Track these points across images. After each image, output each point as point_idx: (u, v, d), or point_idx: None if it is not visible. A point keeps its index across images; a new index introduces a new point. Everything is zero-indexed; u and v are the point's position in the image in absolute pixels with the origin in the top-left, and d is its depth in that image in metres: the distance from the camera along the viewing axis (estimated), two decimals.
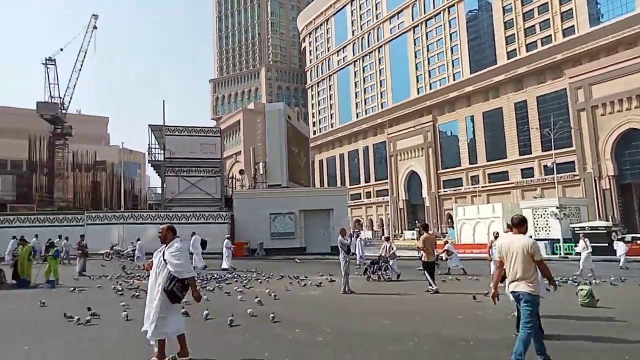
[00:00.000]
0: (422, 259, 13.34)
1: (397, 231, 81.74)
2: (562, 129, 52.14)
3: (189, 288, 5.79)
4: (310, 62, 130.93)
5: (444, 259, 20.08)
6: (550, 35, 69.39)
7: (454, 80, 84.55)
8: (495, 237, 14.23)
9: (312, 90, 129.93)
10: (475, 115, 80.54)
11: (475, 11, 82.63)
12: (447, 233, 67.52)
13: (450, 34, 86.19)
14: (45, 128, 63.46)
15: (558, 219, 30.20)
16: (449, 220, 75.26)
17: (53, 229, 25.00)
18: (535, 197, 56.33)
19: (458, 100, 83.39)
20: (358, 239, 25.25)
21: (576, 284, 13.63)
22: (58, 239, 23.54)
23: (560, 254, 29.56)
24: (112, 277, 17.51)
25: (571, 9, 66.81)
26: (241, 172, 54.89)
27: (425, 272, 13.17)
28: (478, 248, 28.85)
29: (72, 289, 14.15)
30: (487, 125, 78.38)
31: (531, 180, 70.10)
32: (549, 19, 69.73)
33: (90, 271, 19.36)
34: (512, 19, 74.79)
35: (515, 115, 73.52)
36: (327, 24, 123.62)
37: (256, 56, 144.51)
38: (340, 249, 13.64)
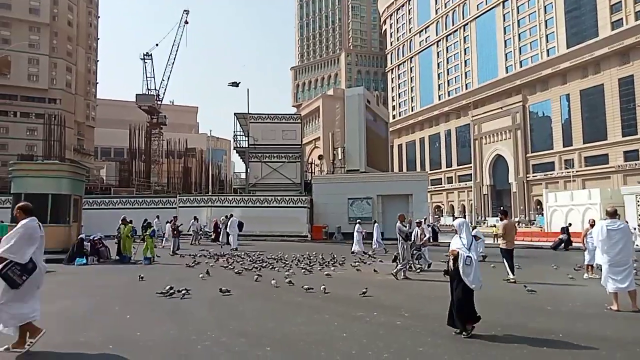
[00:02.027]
0: (502, 246, 12.70)
1: (480, 217, 78.41)
2: None
3: (32, 272, 5.32)
4: (391, 45, 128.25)
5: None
6: None
7: (548, 56, 78.26)
8: (592, 226, 13.18)
9: (392, 73, 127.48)
10: (571, 94, 74.11)
11: None
12: (535, 220, 63.49)
13: (545, 6, 79.58)
14: (143, 118, 69.11)
15: None
16: (538, 206, 70.63)
17: (149, 211, 27.30)
18: None
19: (552, 78, 77.17)
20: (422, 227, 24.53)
21: None
22: (156, 219, 25.85)
23: None
24: (202, 255, 18.75)
25: None
26: (320, 157, 55.69)
27: (505, 259, 12.54)
28: (572, 237, 26.79)
29: (192, 263, 15.84)
30: (585, 104, 71.79)
31: (635, 164, 63.35)
32: None
33: (183, 250, 20.91)
34: None
35: (618, 92, 66.55)
36: (409, 4, 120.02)
37: (336, 41, 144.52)
38: (398, 235, 13.40)
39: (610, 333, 6.86)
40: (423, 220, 26.70)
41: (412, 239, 15.05)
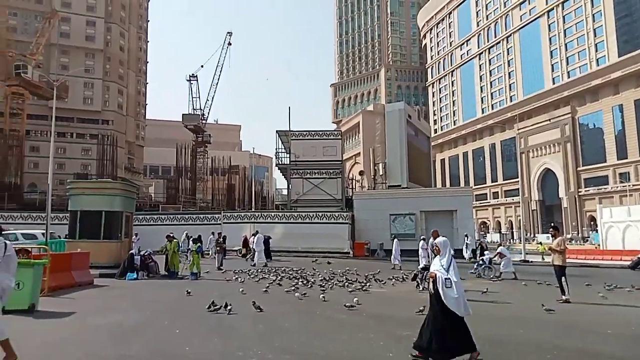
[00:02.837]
0: (556, 263, 12.05)
1: (528, 234, 75.35)
2: None
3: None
4: (432, 59, 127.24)
5: (497, 262, 18.60)
6: None
7: (598, 65, 75.18)
8: None
9: (433, 87, 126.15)
10: (624, 104, 70.64)
11: None
12: (589, 237, 60.34)
13: (593, 15, 76.78)
14: (188, 137, 71.53)
15: None
16: (592, 223, 67.15)
17: (195, 227, 28.02)
18: None
19: (602, 88, 73.95)
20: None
21: None
22: (211, 236, 26.25)
23: None
24: (245, 271, 19.00)
25: None
26: (361, 173, 55.53)
27: (560, 277, 11.89)
28: (629, 255, 25.27)
29: (234, 277, 16.22)
30: None
31: None
32: None
33: (227, 266, 21.24)
34: None
35: None
36: (449, 17, 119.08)
37: (375, 57, 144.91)
38: (431, 252, 12.97)
39: None
40: (465, 236, 26.06)
41: (421, 257, 14.26)
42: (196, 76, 73.52)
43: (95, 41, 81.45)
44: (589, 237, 61.67)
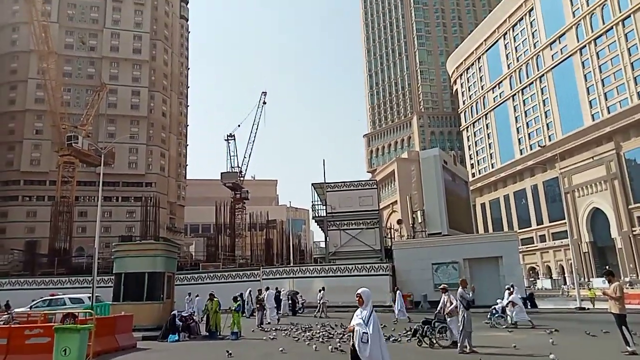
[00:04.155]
0: (613, 311, 11.20)
1: (582, 278, 70.92)
2: None
3: None
4: (464, 104, 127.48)
5: (510, 310, 18.00)
6: None
7: (639, 99, 72.97)
8: None
9: (467, 131, 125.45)
10: None
11: None
12: None
13: (628, 49, 75.52)
14: (227, 194, 73.25)
15: None
16: None
17: (235, 284, 28.07)
18: None
19: None
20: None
21: None
22: (258, 293, 26.30)
23: None
24: (285, 329, 18.66)
25: None
26: (399, 221, 54.78)
27: (620, 326, 11.02)
28: None
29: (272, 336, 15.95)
30: None
31: None
32: None
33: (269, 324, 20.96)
34: None
35: None
36: (478, 62, 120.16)
37: (407, 106, 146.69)
38: (459, 302, 12.24)
39: None
40: (510, 286, 24.68)
41: (438, 308, 13.49)
42: (233, 135, 76.36)
43: (139, 109, 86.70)
44: None
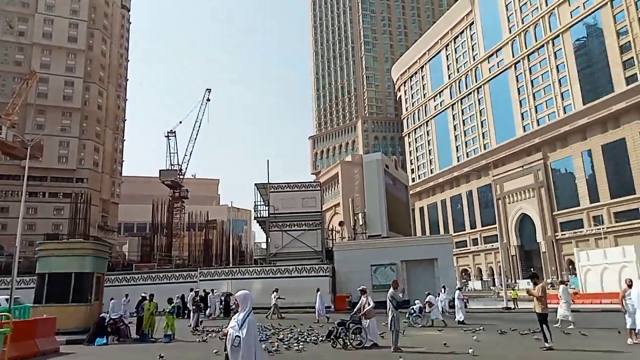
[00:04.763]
0: (537, 311, 11.93)
1: (509, 280, 75.27)
2: None
3: None
4: (406, 110, 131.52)
5: (427, 310, 19.48)
6: None
7: (565, 113, 78.62)
8: (629, 286, 12.38)
9: (409, 137, 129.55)
10: (592, 149, 73.35)
11: (584, 39, 77.33)
12: (568, 282, 60.48)
13: (557, 66, 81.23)
14: (165, 193, 70.80)
15: None
16: (570, 266, 67.63)
17: (171, 285, 27.08)
18: None
19: (571, 134, 76.96)
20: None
21: None
22: (210, 293, 26.16)
23: None
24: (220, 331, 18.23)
25: None
26: (341, 223, 55.38)
27: (542, 324, 11.75)
28: (608, 298, 25.31)
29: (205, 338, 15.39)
30: (608, 159, 70.71)
31: None
32: None
33: (205, 325, 20.35)
34: (629, 41, 68.49)
35: None
36: (422, 71, 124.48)
37: (352, 110, 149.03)
38: (389, 302, 12.47)
39: None
40: (442, 288, 25.76)
41: (355, 309, 13.64)
42: (174, 132, 73.95)
43: (72, 100, 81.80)
44: (568, 281, 61.77)
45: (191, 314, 21.24)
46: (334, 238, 50.87)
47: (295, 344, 13.58)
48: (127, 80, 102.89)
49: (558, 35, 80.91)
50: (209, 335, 16.92)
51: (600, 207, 70.88)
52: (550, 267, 75.79)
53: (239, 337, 5.49)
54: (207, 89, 79.32)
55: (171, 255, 50.15)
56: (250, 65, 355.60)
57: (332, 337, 13.13)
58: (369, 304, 13.13)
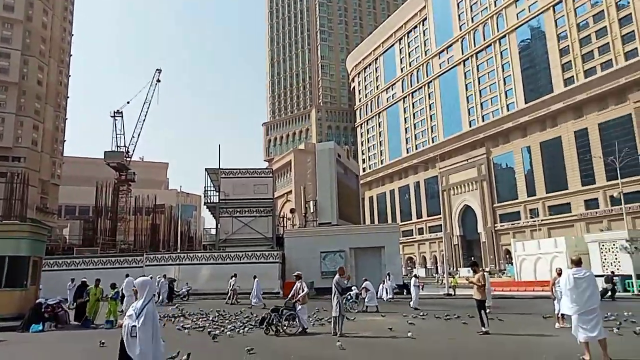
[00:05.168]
0: (476, 297, 12.65)
1: (452, 268, 78.83)
2: (628, 156, 48.84)
3: None
4: (360, 101, 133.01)
5: (362, 296, 20.32)
6: (611, 59, 66.55)
7: (508, 111, 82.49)
8: (559, 274, 13.34)
9: (361, 128, 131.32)
10: (532, 146, 77.61)
11: (528, 41, 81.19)
12: (505, 270, 64.14)
13: (503, 65, 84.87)
14: (111, 175, 67.89)
15: (629, 252, 27.89)
16: (507, 256, 71.59)
17: (114, 271, 26.22)
18: (602, 230, 52.57)
19: (513, 131, 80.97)
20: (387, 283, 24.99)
21: None
22: (162, 279, 25.58)
23: (633, 291, 27.10)
24: (169, 317, 17.94)
25: (633, 31, 64.06)
26: (292, 211, 55.54)
27: (480, 310, 12.47)
28: (540, 285, 27.13)
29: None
30: (545, 156, 75.12)
31: (596, 212, 65.77)
32: (608, 43, 67.12)
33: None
34: (568, 45, 72.68)
35: (575, 144, 70.10)
36: (375, 63, 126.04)
37: (307, 98, 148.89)
38: (334, 288, 12.73)
39: None
40: (387, 275, 26.67)
41: (289, 296, 13.50)
42: (121, 112, 70.74)
43: (9, 74, 76.31)
44: (505, 269, 65.48)
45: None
46: (285, 225, 50.97)
47: (229, 331, 13.26)
48: (71, 56, 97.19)
49: (505, 36, 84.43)
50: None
51: (536, 201, 75.32)
52: (489, 257, 79.92)
53: (135, 326, 5.12)
54: (157, 70, 76.37)
55: (116, 240, 48.35)
56: (204, 48, 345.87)
57: (265, 323, 12.98)
58: (303, 290, 13.06)
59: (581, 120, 69.80)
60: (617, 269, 27.45)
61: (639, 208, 59.17)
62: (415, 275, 23.61)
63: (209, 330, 13.07)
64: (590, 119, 68.42)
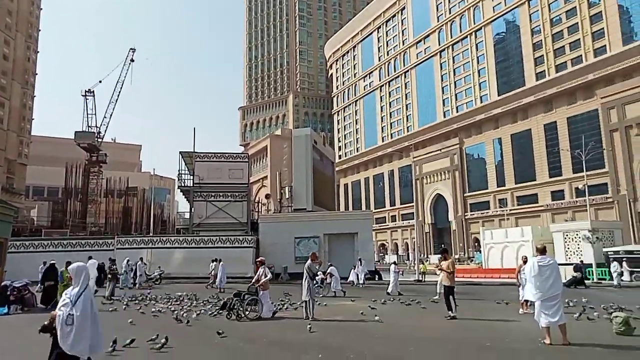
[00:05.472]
0: (445, 284, 13.05)
1: (422, 255, 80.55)
2: (594, 150, 50.66)
3: None
4: (337, 88, 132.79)
5: (327, 281, 20.71)
6: (581, 55, 68.39)
7: (481, 102, 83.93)
8: (524, 262, 13.84)
9: (338, 115, 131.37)
10: (503, 138, 79.41)
11: (503, 34, 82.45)
12: (474, 257, 65.91)
13: (478, 57, 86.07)
14: (81, 156, 66.11)
15: (590, 242, 29.13)
16: (476, 244, 73.54)
17: (84, 253, 25.76)
18: (566, 220, 54.53)
19: (485, 122, 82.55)
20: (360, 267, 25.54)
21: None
22: (139, 262, 25.66)
23: (593, 279, 28.39)
24: (139, 300, 17.85)
25: (602, 28, 65.84)
26: (267, 196, 55.49)
27: (448, 296, 12.88)
28: (506, 273, 28.06)
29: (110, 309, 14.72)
30: (516, 148, 77.06)
31: (562, 203, 68.14)
32: (579, 39, 68.87)
33: (119, 295, 19.78)
34: (541, 40, 74.23)
35: (544, 137, 72.13)
36: (354, 50, 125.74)
37: (284, 84, 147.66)
38: (305, 273, 12.87)
39: None
40: (358, 261, 27.16)
41: (253, 280, 13.40)
42: (93, 92, 68.65)
43: None
44: (473, 257, 67.28)
45: (107, 282, 20.50)
46: (260, 210, 50.94)
47: (187, 316, 12.99)
48: (40, 31, 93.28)
49: (481, 28, 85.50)
50: (125, 304, 16.46)
51: (505, 191, 77.40)
52: (458, 244, 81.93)
53: (72, 315, 4.80)
54: (131, 49, 74.28)
55: (86, 222, 47.32)
56: (180, 29, 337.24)
57: (226, 308, 12.84)
58: (266, 276, 13.02)
59: (551, 113, 71.74)
60: (579, 258, 28.66)
61: (602, 200, 61.57)
62: (394, 262, 24.16)
63: (174, 316, 12.90)
64: (559, 112, 70.40)
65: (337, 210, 68.69)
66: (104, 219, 49.39)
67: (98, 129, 67.37)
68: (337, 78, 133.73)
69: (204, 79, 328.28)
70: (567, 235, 31.87)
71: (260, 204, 53.55)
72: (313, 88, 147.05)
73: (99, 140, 67.25)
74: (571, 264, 26.82)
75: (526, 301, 13.54)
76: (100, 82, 74.64)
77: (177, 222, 44.59)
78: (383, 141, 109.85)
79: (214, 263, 24.99)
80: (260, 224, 35.56)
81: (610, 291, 22.39)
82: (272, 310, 13.31)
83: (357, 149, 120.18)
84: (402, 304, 16.40)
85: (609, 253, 28.93)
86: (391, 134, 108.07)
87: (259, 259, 14.21)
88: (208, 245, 31.77)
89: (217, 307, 14.24)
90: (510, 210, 73.32)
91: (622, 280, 25.29)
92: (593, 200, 55.93)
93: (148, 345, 8.65)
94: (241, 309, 12.62)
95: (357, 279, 26.07)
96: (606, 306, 14.09)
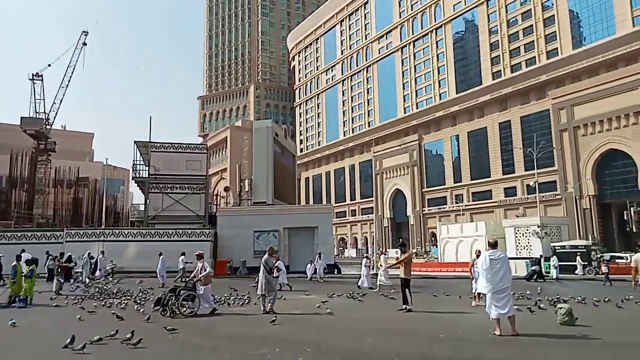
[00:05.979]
0: (402, 276, 13.23)
1: (381, 249, 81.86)
2: (544, 148, 53.02)
3: None
4: (299, 81, 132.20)
5: (275, 274, 21.37)
6: (535, 57, 71.11)
7: (440, 100, 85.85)
8: (477, 256, 14.22)
9: (300, 108, 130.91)
10: (460, 135, 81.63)
11: (462, 33, 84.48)
12: (430, 251, 67.62)
13: (438, 55, 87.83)
14: (28, 144, 62.75)
15: (539, 237, 30.47)
16: (433, 238, 75.44)
17: (31, 247, 24.45)
18: (518, 216, 56.86)
19: (444, 119, 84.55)
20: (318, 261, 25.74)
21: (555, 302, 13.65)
22: (100, 255, 25.16)
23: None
24: (90, 296, 17.13)
25: (555, 31, 68.65)
26: (226, 189, 54.66)
27: (404, 289, 13.07)
28: (461, 266, 28.91)
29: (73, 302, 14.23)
30: (472, 145, 79.44)
31: (514, 199, 70.96)
32: (533, 41, 71.54)
33: (67, 289, 18.92)
34: (498, 40, 76.61)
35: (499, 135, 74.72)
36: (316, 43, 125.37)
37: (245, 74, 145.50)
38: (262, 267, 12.66)
39: (494, 357, 7.40)
40: (318, 255, 27.28)
41: (192, 275, 13.00)
42: (41, 76, 65.15)
43: None
44: (430, 251, 69.03)
45: (55, 278, 19.53)
46: (219, 203, 50.07)
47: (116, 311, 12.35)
48: None
49: (441, 26, 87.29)
50: (70, 300, 15.74)
51: (461, 187, 79.77)
52: (416, 239, 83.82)
53: None
54: (84, 32, 70.96)
55: (32, 214, 44.95)
56: (138, 11, 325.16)
57: (160, 304, 12.09)
58: (205, 270, 12.68)
59: (505, 112, 74.36)
60: (529, 252, 29.93)
61: (551, 197, 64.52)
62: (366, 256, 24.33)
63: (112, 311, 12.31)
64: (513, 111, 73.08)
65: (297, 204, 68.64)
66: (52, 211, 47.10)
67: (47, 115, 64.16)
68: (299, 70, 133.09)
69: (162, 67, 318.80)
70: (518, 230, 33.21)
71: (219, 197, 52.66)
72: (275, 79, 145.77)
73: (48, 127, 64.08)
74: (523, 258, 28.00)
75: (479, 294, 13.95)
76: (49, 65, 70.88)
77: (132, 215, 43.15)
78: (345, 135, 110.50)
79: (182, 257, 24.36)
80: (218, 217, 34.95)
81: (562, 285, 23.45)
82: (212, 307, 12.80)
83: (319, 142, 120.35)
84: (353, 299, 16.41)
85: (555, 247, 30.36)
86: (352, 129, 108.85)
87: (197, 253, 13.59)
88: (163, 238, 30.92)
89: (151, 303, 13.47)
90: (465, 205, 75.66)
91: (575, 274, 26.69)
92: (543, 197, 58.50)
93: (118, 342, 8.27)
94: (176, 304, 11.95)
95: (316, 272, 26.14)
96: (552, 298, 14.75)
